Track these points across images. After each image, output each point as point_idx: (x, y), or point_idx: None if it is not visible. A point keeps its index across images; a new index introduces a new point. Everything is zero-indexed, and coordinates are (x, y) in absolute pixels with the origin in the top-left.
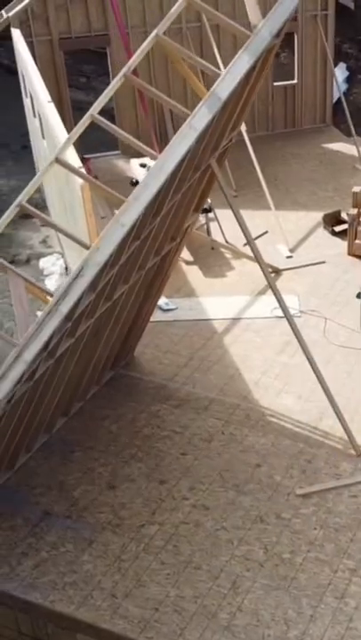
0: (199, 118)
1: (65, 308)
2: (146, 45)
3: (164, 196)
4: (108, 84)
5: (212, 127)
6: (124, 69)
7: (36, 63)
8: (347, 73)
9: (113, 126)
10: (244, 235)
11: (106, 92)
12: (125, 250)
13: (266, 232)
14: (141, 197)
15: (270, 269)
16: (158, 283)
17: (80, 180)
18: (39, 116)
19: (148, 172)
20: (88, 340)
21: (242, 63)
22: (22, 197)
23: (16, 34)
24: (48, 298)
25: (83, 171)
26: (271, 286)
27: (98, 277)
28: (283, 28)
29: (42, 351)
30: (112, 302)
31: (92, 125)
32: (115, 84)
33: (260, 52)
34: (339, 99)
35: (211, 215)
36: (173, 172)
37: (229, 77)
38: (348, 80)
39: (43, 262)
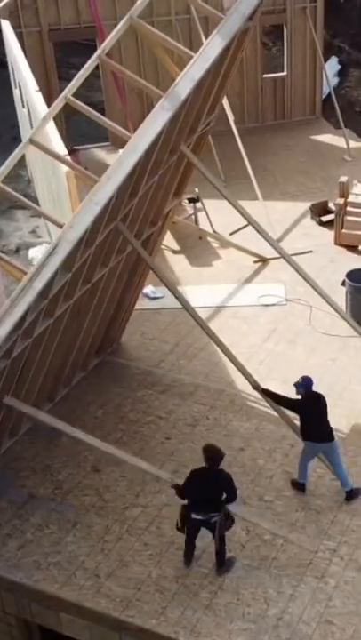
0: (172, 99)
1: (39, 284)
2: (120, 27)
3: (139, 177)
4: (98, 76)
5: (187, 108)
6: (98, 51)
7: (26, 54)
8: (338, 67)
9: (86, 107)
10: (241, 215)
11: (80, 73)
12: (101, 229)
13: (247, 225)
14: (115, 176)
15: (257, 258)
16: (141, 269)
17: (65, 168)
18: (27, 105)
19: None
20: (69, 323)
21: (215, 44)
22: None
23: (5, 25)
24: (23, 275)
25: (68, 158)
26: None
27: (72, 255)
28: (256, 11)
29: (17, 328)
30: (92, 285)
31: (87, 119)
32: (89, 65)
33: (232, 34)
34: (329, 93)
35: (198, 205)
36: (147, 151)
37: (202, 58)
38: (341, 74)
39: (32, 252)
